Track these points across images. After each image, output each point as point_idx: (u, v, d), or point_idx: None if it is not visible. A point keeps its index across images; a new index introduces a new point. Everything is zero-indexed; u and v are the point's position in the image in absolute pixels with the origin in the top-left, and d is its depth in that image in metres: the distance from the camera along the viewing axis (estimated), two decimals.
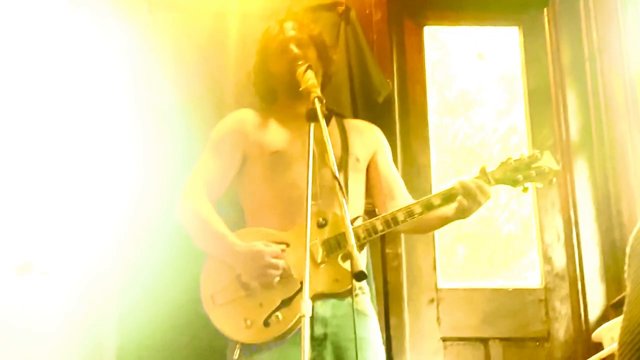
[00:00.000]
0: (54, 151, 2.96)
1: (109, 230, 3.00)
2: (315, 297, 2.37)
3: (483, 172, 2.49)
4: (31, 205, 2.86)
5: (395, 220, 2.43)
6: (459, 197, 2.44)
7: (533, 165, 2.51)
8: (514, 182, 2.51)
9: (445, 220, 2.56)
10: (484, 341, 3.30)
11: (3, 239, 2.76)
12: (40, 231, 2.86)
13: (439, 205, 2.46)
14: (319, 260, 2.39)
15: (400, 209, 2.45)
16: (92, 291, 2.94)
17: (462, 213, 2.47)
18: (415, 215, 2.44)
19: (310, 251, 2.38)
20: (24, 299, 2.76)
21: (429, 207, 2.45)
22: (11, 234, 2.79)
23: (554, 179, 2.55)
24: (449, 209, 2.48)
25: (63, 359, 2.81)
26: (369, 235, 2.43)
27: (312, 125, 2.11)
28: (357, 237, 2.39)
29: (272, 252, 2.39)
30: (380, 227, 2.43)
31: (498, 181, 2.50)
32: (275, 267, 2.38)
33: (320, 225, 2.43)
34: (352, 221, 2.44)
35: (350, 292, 2.38)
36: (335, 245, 2.41)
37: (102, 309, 2.96)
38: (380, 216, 2.46)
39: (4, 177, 2.81)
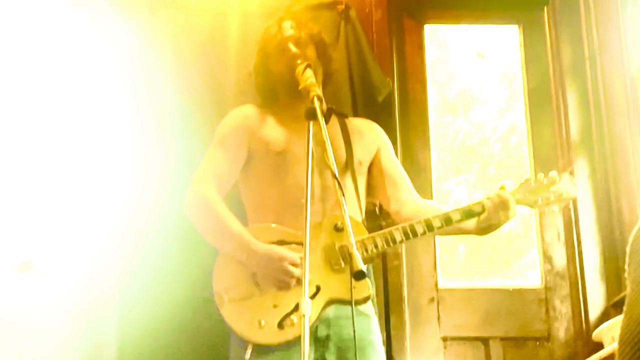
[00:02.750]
0: (54, 151, 2.96)
1: (109, 230, 3.00)
2: (331, 302, 2.36)
3: (503, 190, 2.49)
4: (31, 205, 2.86)
5: (414, 232, 2.44)
6: (487, 210, 2.43)
7: (551, 189, 2.53)
8: (533, 204, 2.53)
9: (463, 233, 2.58)
10: (485, 340, 3.30)
11: (3, 238, 2.76)
12: (40, 231, 2.86)
13: (459, 221, 2.46)
14: (336, 266, 2.39)
15: (420, 221, 2.44)
16: (92, 290, 2.94)
17: (483, 230, 2.48)
18: (435, 230, 2.44)
19: (328, 256, 2.38)
20: (25, 298, 2.76)
21: (448, 221, 2.45)
22: (11, 234, 2.79)
23: (570, 203, 2.56)
24: (469, 223, 2.48)
25: (64, 357, 2.81)
26: (387, 244, 2.43)
27: (312, 124, 2.11)
28: (375, 245, 2.41)
29: (292, 259, 2.36)
30: (399, 238, 2.43)
31: (518, 201, 2.51)
32: (292, 275, 2.36)
33: (338, 230, 2.42)
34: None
35: (364, 300, 2.38)
36: None
37: (102, 308, 2.96)
38: (399, 226, 2.45)
39: (4, 177, 2.82)
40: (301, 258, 2.36)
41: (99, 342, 2.93)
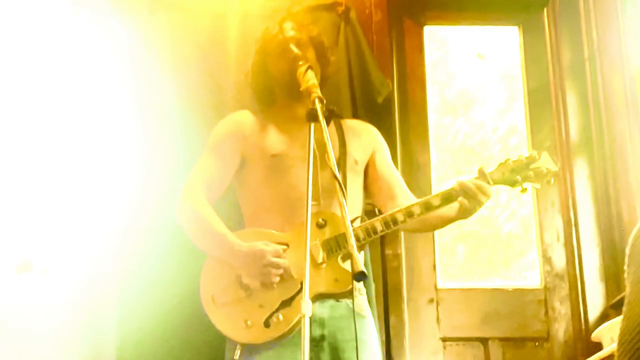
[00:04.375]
0: (54, 151, 2.96)
1: (109, 230, 3.00)
2: (315, 298, 2.38)
3: (481, 173, 2.51)
4: (31, 205, 2.86)
5: (394, 221, 2.45)
6: (460, 198, 2.46)
7: (531, 166, 2.54)
8: (513, 183, 2.54)
9: (447, 221, 2.58)
10: (484, 341, 3.30)
11: (3, 238, 2.76)
12: (40, 231, 2.86)
13: (438, 206, 2.48)
14: (319, 261, 2.40)
15: (400, 210, 2.46)
16: (92, 291, 2.94)
17: (464, 213, 2.50)
18: (415, 216, 2.45)
19: (310, 252, 2.39)
20: (24, 298, 2.76)
21: (428, 207, 2.47)
22: (11, 234, 2.79)
23: (552, 180, 2.57)
24: (451, 209, 2.50)
25: (63, 357, 2.81)
26: (369, 235, 2.44)
27: (312, 125, 2.11)
28: (357, 238, 2.41)
29: (273, 252, 2.40)
30: (379, 228, 2.44)
31: (497, 182, 2.53)
32: (276, 266, 2.38)
33: (320, 226, 2.44)
34: (351, 222, 2.45)
35: (349, 293, 2.39)
36: (335, 246, 2.41)
37: (102, 309, 2.96)
38: (379, 217, 2.46)
39: (4, 177, 2.81)
40: (284, 250, 2.39)
41: (99, 342, 2.93)
